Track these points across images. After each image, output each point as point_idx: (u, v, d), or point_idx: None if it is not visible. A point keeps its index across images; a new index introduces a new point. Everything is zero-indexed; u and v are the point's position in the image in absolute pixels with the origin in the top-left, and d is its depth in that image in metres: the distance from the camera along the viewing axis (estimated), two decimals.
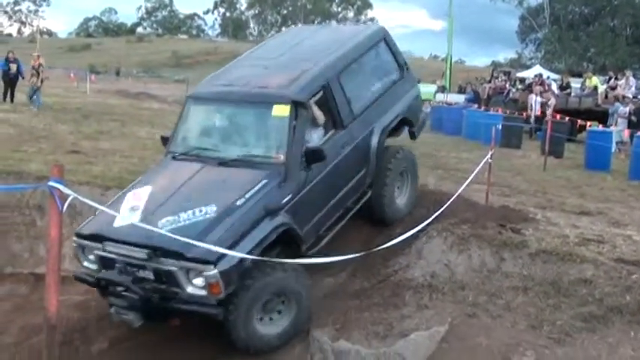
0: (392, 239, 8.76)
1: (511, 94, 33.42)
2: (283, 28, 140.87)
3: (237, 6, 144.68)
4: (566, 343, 7.18)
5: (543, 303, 7.86)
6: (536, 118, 27.15)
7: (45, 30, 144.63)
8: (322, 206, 8.83)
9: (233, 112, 9.18)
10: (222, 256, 7.15)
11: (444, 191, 11.38)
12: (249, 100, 8.87)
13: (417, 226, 9.16)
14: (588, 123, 22.74)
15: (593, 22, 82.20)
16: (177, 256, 7.25)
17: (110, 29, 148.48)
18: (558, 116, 23.98)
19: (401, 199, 10.44)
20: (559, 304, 7.79)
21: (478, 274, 8.54)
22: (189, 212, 7.68)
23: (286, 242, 8.20)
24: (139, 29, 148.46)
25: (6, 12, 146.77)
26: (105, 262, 7.85)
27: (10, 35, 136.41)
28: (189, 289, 7.39)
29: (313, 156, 8.41)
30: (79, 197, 5.53)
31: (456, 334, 7.46)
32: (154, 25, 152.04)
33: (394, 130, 10.41)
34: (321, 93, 8.96)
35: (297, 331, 8.03)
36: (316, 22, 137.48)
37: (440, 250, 8.98)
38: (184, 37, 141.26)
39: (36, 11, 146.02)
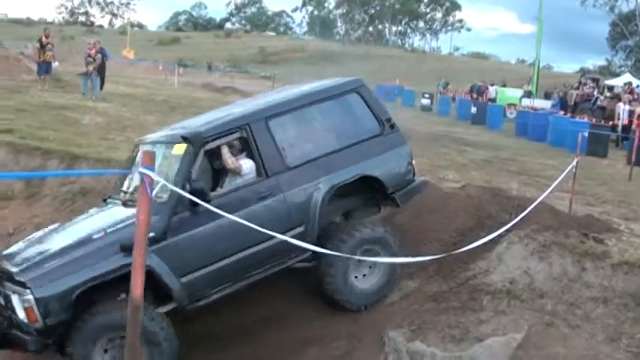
0: (472, 242, 8.71)
1: (599, 102, 32.75)
2: (370, 28, 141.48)
3: (325, 4, 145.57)
4: None
5: (623, 315, 7.70)
6: (624, 127, 26.57)
7: (135, 23, 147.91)
8: (220, 256, 8.06)
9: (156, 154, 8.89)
10: (43, 282, 7.13)
11: (527, 197, 11.24)
12: (163, 141, 8.72)
13: (498, 230, 9.08)
14: None
15: None
16: (11, 279, 7.33)
17: (199, 24, 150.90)
18: None
19: (368, 281, 9.07)
20: (639, 318, 7.64)
21: (558, 282, 8.40)
22: (53, 243, 7.85)
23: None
24: (228, 24, 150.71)
25: (98, 3, 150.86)
26: None
27: (101, 27, 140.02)
28: (21, 315, 7.26)
29: (194, 196, 7.60)
30: (167, 184, 5.71)
31: (532, 342, 7.40)
32: (243, 21, 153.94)
33: (371, 194, 9.42)
34: (236, 134, 8.46)
35: None
36: (404, 22, 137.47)
37: (520, 256, 8.85)
38: (272, 34, 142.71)
39: (127, 4, 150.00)
